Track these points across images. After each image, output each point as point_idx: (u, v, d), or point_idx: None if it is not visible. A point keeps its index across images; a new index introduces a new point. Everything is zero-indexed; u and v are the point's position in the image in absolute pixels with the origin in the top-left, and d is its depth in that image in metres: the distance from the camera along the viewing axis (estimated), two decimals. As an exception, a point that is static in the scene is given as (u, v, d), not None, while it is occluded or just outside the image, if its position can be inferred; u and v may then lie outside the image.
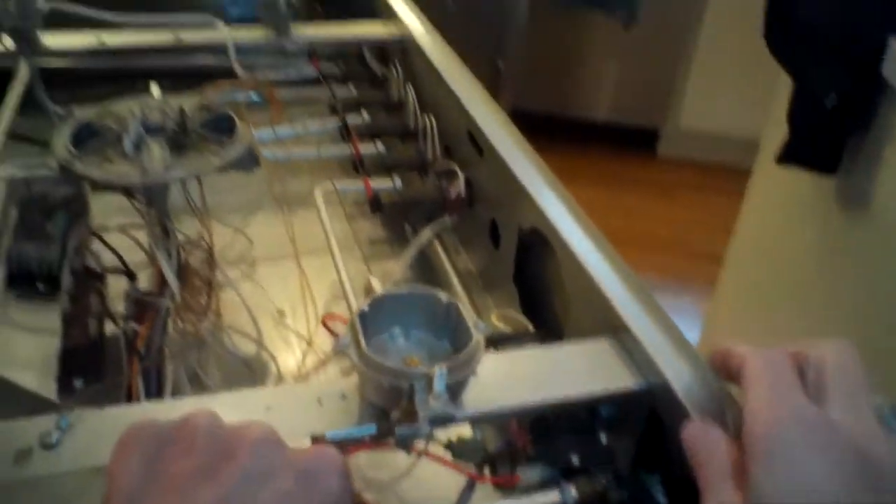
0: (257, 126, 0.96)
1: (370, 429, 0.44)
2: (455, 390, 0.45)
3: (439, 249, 0.79)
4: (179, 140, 0.65)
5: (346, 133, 0.89)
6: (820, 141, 1.13)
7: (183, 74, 1.07)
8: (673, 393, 0.47)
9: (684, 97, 2.76)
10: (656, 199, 2.68)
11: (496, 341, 0.57)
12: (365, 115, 0.93)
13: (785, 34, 1.13)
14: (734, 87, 2.62)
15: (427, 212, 0.81)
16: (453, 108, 0.82)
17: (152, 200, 0.63)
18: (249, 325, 0.70)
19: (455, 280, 0.76)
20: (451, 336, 0.49)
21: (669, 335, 0.52)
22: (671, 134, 2.84)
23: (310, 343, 0.71)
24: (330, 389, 0.47)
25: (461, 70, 0.88)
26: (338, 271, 0.70)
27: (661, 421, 0.49)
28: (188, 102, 0.71)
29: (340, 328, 0.69)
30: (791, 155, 1.19)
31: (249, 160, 0.70)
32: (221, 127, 0.69)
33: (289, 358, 0.69)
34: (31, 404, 0.61)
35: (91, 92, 1.06)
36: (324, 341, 0.70)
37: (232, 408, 0.45)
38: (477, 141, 0.77)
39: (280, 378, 0.65)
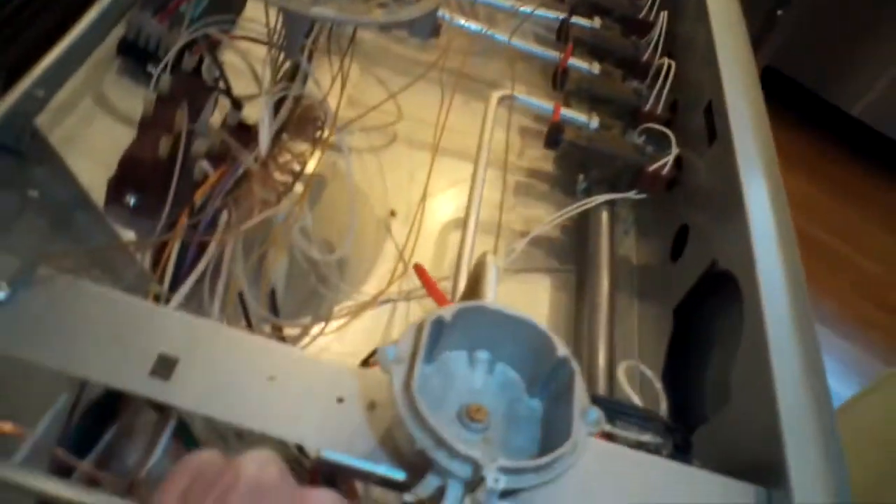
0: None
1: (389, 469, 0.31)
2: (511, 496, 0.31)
3: (604, 225, 0.62)
4: (352, -32, 0.50)
5: (564, 34, 0.71)
6: None
7: None
8: None
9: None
10: (878, 228, 2.29)
11: (606, 406, 0.41)
12: (597, 22, 0.74)
13: None
14: None
15: (613, 171, 0.64)
16: (704, 64, 0.63)
17: (287, 29, 0.49)
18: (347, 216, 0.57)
19: (605, 272, 0.59)
20: (549, 399, 0.34)
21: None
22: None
23: (403, 264, 0.57)
24: (357, 389, 0.34)
25: (737, 19, 0.67)
26: (469, 205, 0.54)
27: None
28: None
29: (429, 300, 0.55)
30: None
31: (426, 26, 0.55)
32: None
33: (372, 279, 0.56)
34: (79, 197, 0.52)
35: None
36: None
37: (229, 359, 0.33)
38: (714, 122, 0.58)
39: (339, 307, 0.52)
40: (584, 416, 0.32)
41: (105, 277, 0.46)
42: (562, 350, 0.33)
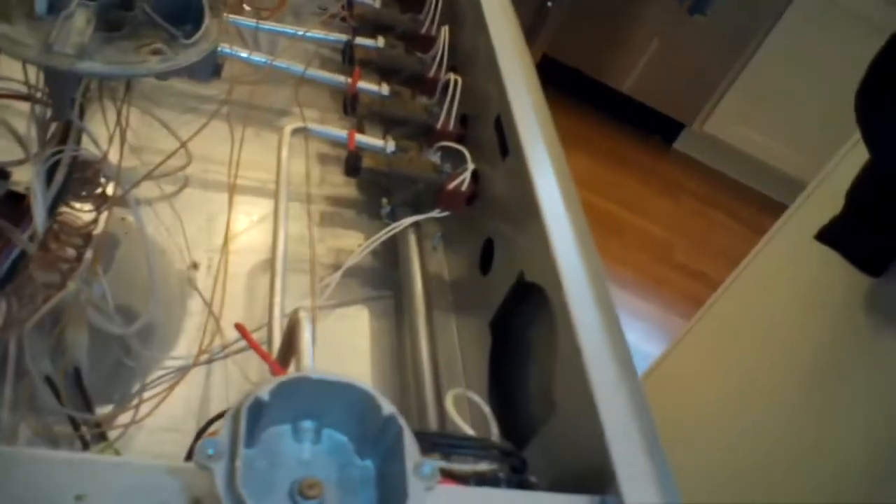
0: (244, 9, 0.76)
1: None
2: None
3: (413, 246, 0.63)
4: (117, 17, 0.47)
5: (350, 57, 0.71)
6: (878, 239, 0.98)
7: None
8: None
9: (720, 103, 2.57)
10: (657, 194, 2.52)
11: (439, 444, 0.41)
12: (381, 41, 0.74)
13: (883, 99, 0.96)
14: (777, 114, 2.44)
15: (414, 192, 0.64)
16: (489, 80, 0.64)
17: (52, 88, 0.45)
18: (144, 272, 0.53)
19: (420, 295, 0.59)
20: (381, 457, 0.34)
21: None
22: (693, 133, 2.66)
23: (215, 320, 0.54)
24: (179, 489, 0.31)
25: (516, 31, 0.69)
26: (274, 246, 0.53)
27: None
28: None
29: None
30: (834, 238, 1.03)
31: (206, 67, 0.52)
32: (185, 8, 0.51)
33: (181, 340, 0.53)
34: None
35: None
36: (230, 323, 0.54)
37: (27, 482, 0.29)
38: (505, 136, 0.60)
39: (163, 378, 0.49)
40: (419, 472, 0.31)
41: None
42: (387, 408, 0.33)
